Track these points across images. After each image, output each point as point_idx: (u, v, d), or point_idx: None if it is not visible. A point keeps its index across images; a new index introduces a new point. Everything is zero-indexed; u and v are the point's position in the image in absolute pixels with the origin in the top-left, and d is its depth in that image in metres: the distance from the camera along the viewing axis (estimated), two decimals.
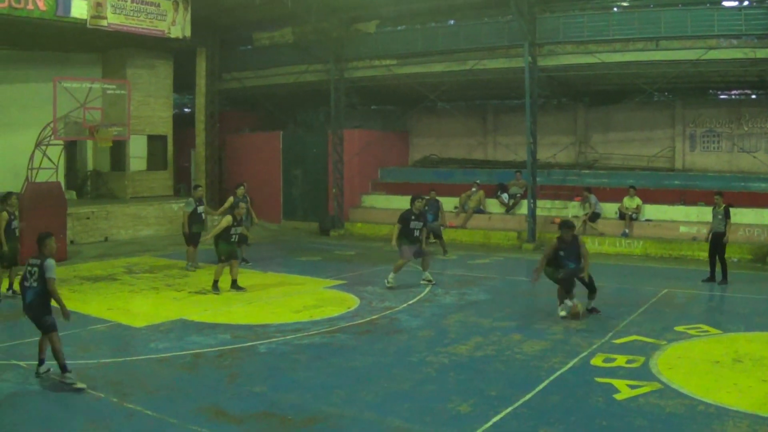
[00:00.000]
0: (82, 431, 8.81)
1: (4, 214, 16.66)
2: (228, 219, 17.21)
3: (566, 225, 14.52)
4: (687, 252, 23.05)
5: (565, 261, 14.14)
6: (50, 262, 10.76)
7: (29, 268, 10.83)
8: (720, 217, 18.25)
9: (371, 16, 28.96)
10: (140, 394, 9.98)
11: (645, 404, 9.36)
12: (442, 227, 23.56)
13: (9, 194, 17.25)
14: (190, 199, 20.76)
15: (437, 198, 24.14)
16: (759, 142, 26.28)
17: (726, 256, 18.35)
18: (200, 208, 20.52)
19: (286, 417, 9.05)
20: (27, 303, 10.85)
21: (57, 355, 10.48)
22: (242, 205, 18.92)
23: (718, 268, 18.24)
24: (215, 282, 17.14)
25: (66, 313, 10.45)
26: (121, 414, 9.22)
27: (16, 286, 16.13)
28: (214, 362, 11.59)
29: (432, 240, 22.39)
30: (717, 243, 18.25)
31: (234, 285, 17.26)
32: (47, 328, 10.67)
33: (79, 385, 10.22)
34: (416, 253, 17.78)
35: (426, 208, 20.25)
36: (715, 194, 18.88)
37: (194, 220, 20.33)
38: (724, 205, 18.29)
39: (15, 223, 16.85)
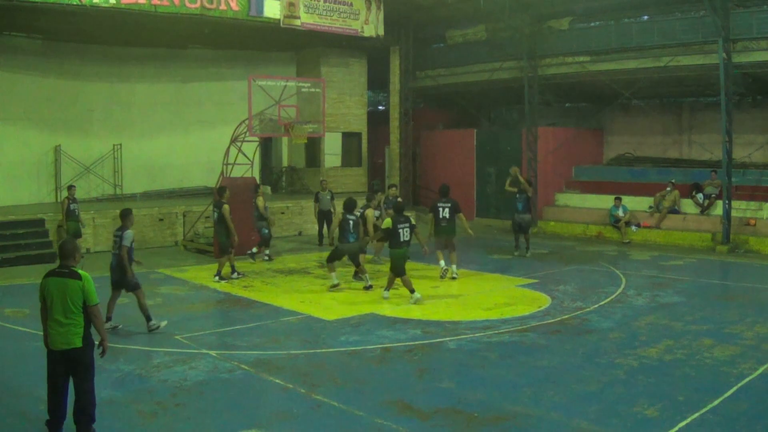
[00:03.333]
0: (269, 420, 9.20)
1: (226, 206, 18.48)
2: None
3: None
4: None
5: None
6: (128, 233, 13.32)
7: (114, 238, 13.57)
8: None
9: (564, 13, 28.91)
10: (328, 385, 10.43)
11: None
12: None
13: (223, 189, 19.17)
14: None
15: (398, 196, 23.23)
16: None
17: None
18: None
19: (473, 414, 9.27)
20: (112, 267, 13.64)
21: (142, 309, 13.33)
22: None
23: None
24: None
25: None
26: (308, 404, 9.68)
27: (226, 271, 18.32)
28: (404, 357, 11.93)
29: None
30: None
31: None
32: (132, 287, 13.51)
33: (162, 324, 13.41)
34: None
35: (384, 204, 20.43)
36: None
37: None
38: None
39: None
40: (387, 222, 16.49)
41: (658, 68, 26.06)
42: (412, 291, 16.05)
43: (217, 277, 18.35)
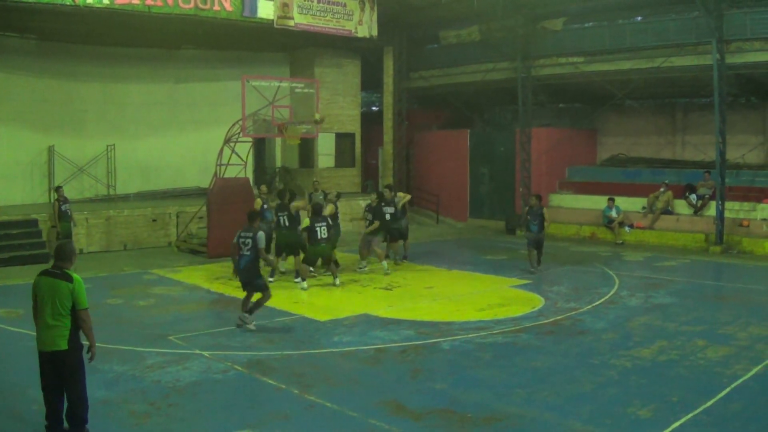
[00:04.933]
0: (262, 421, 9.18)
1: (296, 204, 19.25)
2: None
3: None
4: None
5: None
6: (261, 234, 13.52)
7: (243, 240, 13.56)
8: None
9: (558, 13, 28.94)
10: (322, 386, 10.44)
11: None
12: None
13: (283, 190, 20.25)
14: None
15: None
16: None
17: None
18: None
19: (466, 415, 9.29)
20: (241, 268, 13.65)
21: (256, 305, 13.69)
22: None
23: None
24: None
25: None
26: (302, 405, 9.69)
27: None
28: (397, 357, 11.97)
29: None
30: None
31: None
32: (260, 288, 13.68)
33: (251, 327, 13.41)
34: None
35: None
36: None
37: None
38: None
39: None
40: (305, 222, 18.05)
41: (651, 69, 26.10)
42: (303, 279, 17.72)
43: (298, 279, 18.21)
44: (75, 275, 8.19)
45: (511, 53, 29.89)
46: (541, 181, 30.29)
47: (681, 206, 26.50)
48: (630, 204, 27.38)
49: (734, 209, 24.80)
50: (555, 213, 29.15)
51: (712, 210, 24.81)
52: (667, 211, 26.47)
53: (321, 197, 24.26)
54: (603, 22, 28.85)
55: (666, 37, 25.67)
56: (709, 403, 9.60)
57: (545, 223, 20.30)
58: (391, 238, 21.27)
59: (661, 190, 26.65)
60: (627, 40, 26.89)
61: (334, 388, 10.43)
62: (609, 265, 21.16)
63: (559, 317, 14.76)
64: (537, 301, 16.23)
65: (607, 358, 11.80)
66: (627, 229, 26.54)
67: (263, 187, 21.59)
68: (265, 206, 19.99)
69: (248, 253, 13.54)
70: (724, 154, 24.36)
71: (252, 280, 13.69)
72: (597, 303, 16.11)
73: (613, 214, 26.68)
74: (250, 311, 13.66)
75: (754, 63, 24.02)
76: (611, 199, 26.76)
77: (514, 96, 30.37)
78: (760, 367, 11.21)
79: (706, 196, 25.73)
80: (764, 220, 23.99)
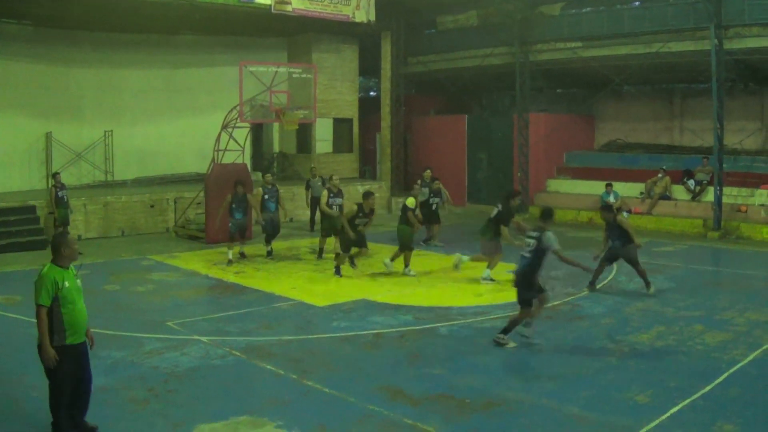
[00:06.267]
0: (261, 406, 9.18)
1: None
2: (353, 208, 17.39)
3: None
4: None
5: None
6: (550, 234, 11.50)
7: (528, 240, 11.69)
8: None
9: None
10: (320, 371, 10.48)
11: None
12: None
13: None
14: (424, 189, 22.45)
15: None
16: None
17: None
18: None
19: (464, 400, 9.34)
20: (518, 270, 11.86)
21: (512, 323, 11.75)
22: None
23: None
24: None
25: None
26: (300, 390, 9.76)
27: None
28: (395, 343, 12.01)
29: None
30: None
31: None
32: (523, 302, 11.69)
33: (511, 345, 11.60)
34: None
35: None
36: None
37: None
38: None
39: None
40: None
41: (649, 54, 26.03)
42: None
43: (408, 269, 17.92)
44: (43, 269, 7.97)
45: (508, 38, 29.76)
46: (539, 167, 30.33)
47: (679, 192, 26.50)
48: (628, 189, 27.35)
49: (732, 195, 24.79)
50: (553, 198, 29.15)
51: (710, 195, 24.78)
52: (665, 196, 26.45)
53: (319, 183, 24.28)
54: (601, 7, 28.73)
55: (664, 22, 25.55)
56: (707, 389, 9.63)
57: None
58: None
59: (659, 175, 26.62)
60: (625, 25, 26.78)
61: (333, 373, 10.46)
62: None
63: (556, 302, 14.71)
64: None
65: (605, 344, 11.87)
66: (625, 214, 26.38)
67: (268, 177, 21.48)
68: (266, 197, 20.02)
69: (528, 255, 11.61)
70: (722, 140, 24.30)
71: (522, 289, 11.77)
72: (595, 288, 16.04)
73: (611, 199, 26.59)
74: (504, 330, 11.87)
75: (753, 48, 23.93)
76: (609, 185, 26.69)
77: (512, 81, 30.27)
78: (758, 352, 11.25)
79: (704, 181, 25.71)
80: (762, 205, 23.98)
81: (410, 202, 18.16)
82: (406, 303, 14.73)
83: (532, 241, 11.50)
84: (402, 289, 16.17)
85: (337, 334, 12.52)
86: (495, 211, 17.08)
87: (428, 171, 23.08)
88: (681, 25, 25.10)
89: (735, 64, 25.29)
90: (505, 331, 11.75)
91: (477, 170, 32.83)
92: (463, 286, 16.52)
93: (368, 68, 35.15)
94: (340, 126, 32.84)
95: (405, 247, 17.61)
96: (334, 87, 32.20)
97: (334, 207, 19.28)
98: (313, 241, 22.21)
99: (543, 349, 11.61)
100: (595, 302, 14.87)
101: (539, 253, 11.40)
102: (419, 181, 23.02)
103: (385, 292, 15.73)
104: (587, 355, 11.26)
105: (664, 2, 26.36)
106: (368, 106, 35.04)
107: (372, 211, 17.32)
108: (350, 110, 33.13)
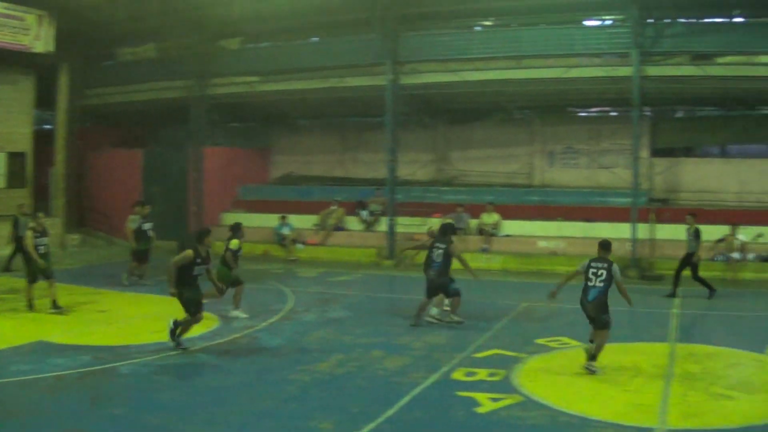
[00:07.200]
0: None
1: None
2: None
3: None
4: (546, 266, 23.65)
5: None
6: (616, 266, 12.01)
7: (594, 270, 11.97)
8: (691, 237, 18.83)
9: (235, 33, 28.84)
10: (1, 418, 9.60)
11: (507, 417, 9.49)
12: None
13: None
14: (135, 216, 21.30)
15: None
16: (617, 158, 27.11)
17: None
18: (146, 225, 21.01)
19: None
20: (589, 301, 11.94)
21: (599, 348, 11.74)
22: None
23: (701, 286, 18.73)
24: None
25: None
26: None
27: None
28: (76, 385, 11.21)
29: None
30: (688, 262, 18.82)
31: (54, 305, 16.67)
32: (605, 325, 11.84)
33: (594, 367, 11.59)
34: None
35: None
36: (687, 214, 19.53)
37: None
38: (695, 226, 18.91)
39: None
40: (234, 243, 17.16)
41: (325, 89, 26.54)
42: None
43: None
44: None
45: (187, 72, 29.33)
46: (214, 200, 29.97)
47: (353, 222, 27.04)
48: (303, 221, 27.67)
49: (405, 224, 25.63)
50: (227, 232, 28.69)
51: (383, 225, 25.42)
52: (339, 227, 26.89)
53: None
54: (279, 43, 28.93)
55: (342, 57, 26.21)
56: (390, 412, 9.64)
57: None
58: None
59: (333, 207, 27.15)
60: (303, 60, 27.21)
61: (14, 419, 9.56)
62: (283, 282, 21.16)
63: (235, 336, 14.50)
64: (212, 321, 15.60)
65: (285, 374, 11.64)
66: (300, 245, 26.68)
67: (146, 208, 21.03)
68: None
69: (600, 284, 11.99)
70: (395, 171, 25.05)
71: (599, 315, 12.05)
72: (273, 320, 16.00)
73: (286, 231, 26.75)
74: (591, 357, 11.95)
75: (427, 84, 24.98)
76: (283, 217, 26.86)
77: (189, 115, 29.82)
78: (437, 374, 11.43)
79: (378, 211, 26.38)
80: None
81: (233, 243, 17.32)
82: (85, 343, 13.82)
83: (603, 272, 11.89)
84: (79, 328, 15.17)
85: (16, 378, 11.45)
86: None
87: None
88: (359, 60, 25.89)
89: (411, 99, 26.29)
90: (594, 357, 11.75)
91: (152, 204, 31.86)
92: (138, 324, 15.77)
93: (46, 100, 33.34)
94: (14, 160, 30.75)
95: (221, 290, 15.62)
96: (9, 119, 30.05)
97: (40, 248, 17.47)
98: None
99: (226, 384, 11.18)
100: (273, 333, 14.68)
101: (609, 282, 11.86)
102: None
103: (61, 333, 14.67)
104: (269, 386, 11.02)
105: (342, 38, 26.93)
106: (44, 140, 33.19)
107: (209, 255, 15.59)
108: (24, 144, 31.06)
